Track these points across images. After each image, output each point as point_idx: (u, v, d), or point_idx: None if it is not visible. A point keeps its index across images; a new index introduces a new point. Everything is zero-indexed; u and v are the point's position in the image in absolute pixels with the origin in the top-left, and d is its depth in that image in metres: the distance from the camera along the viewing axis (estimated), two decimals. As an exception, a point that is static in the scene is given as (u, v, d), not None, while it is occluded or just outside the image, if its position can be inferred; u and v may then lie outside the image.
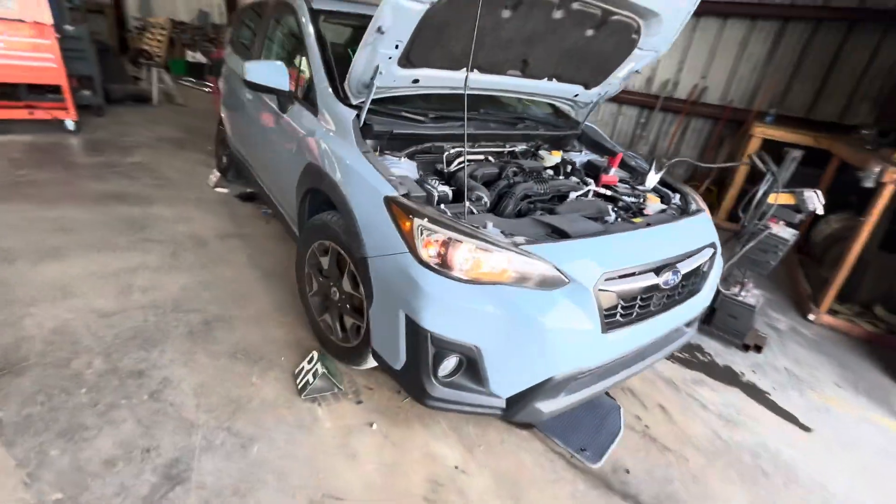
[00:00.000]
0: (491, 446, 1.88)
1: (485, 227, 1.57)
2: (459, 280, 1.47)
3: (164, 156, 4.83)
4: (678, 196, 2.33)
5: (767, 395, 2.46)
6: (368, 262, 1.67)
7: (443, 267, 1.48)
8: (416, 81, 2.03)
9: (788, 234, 2.57)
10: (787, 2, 5.37)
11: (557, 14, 1.98)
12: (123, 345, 2.13)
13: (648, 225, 1.85)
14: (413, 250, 1.52)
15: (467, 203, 1.63)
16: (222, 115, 3.84)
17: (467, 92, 1.74)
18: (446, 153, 2.15)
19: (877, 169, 2.91)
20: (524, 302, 1.47)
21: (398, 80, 1.96)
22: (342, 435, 1.83)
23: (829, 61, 5.34)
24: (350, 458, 1.74)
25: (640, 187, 2.43)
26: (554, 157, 2.50)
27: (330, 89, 2.16)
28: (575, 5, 1.96)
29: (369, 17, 1.63)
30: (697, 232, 1.98)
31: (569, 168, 2.48)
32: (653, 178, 2.48)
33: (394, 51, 1.79)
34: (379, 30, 1.66)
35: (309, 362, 2.05)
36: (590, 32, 2.16)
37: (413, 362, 1.59)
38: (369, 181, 1.72)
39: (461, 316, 1.48)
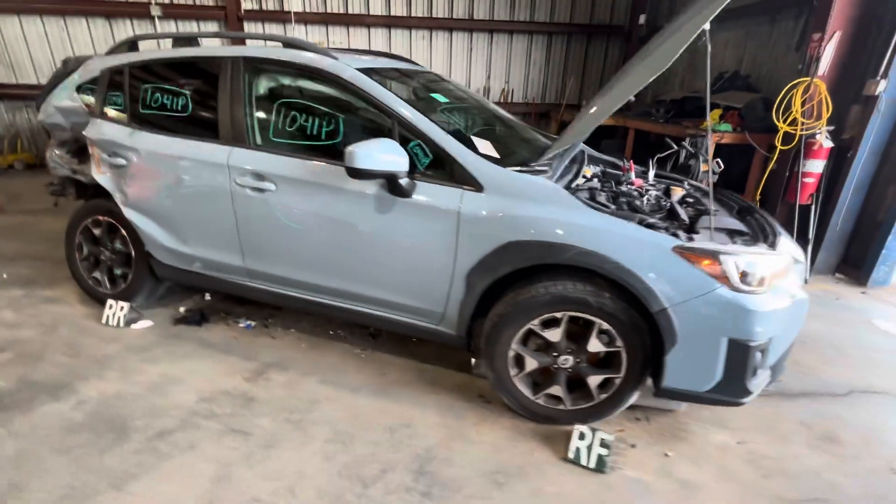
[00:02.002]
0: (727, 413, 2.27)
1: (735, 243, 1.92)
2: (764, 292, 1.80)
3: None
4: (685, 182, 3.12)
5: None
6: (669, 312, 1.78)
7: (753, 286, 1.77)
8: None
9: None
10: (549, 20, 7.05)
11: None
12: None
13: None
14: (728, 283, 1.75)
15: (710, 228, 1.92)
16: (135, 219, 2.63)
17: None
18: None
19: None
20: (790, 289, 1.92)
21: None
22: (667, 478, 1.90)
23: (583, 61, 7.35)
24: (697, 489, 1.86)
25: (652, 182, 3.11)
26: (588, 172, 2.92)
27: (487, 161, 2.00)
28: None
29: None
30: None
31: (595, 180, 2.95)
32: (651, 173, 3.21)
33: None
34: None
35: (581, 439, 1.96)
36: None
37: (732, 375, 1.83)
38: (641, 238, 1.80)
39: (769, 320, 1.81)
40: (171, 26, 6.73)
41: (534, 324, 1.99)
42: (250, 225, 2.36)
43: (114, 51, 2.77)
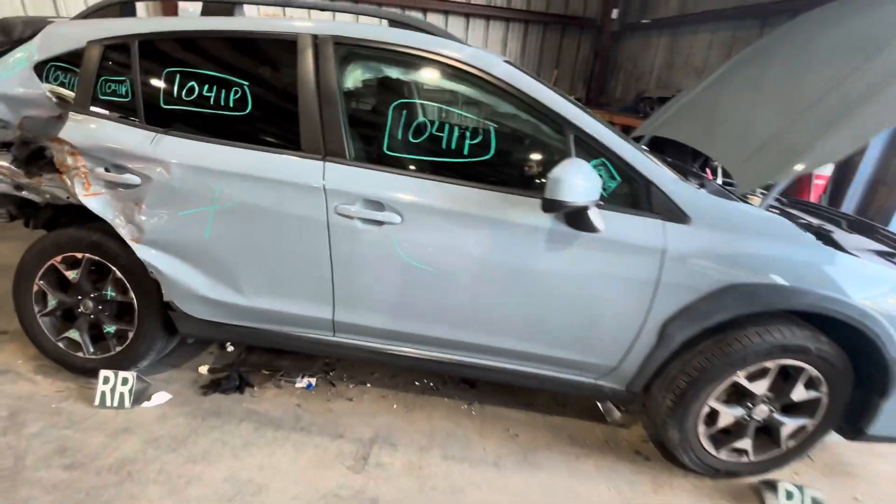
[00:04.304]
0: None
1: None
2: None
3: None
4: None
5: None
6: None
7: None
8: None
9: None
10: (526, 7, 6.76)
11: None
12: None
13: None
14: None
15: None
16: (154, 261, 1.83)
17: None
18: None
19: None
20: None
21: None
22: (875, 528, 1.77)
23: (557, 54, 7.21)
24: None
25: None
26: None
27: (691, 186, 1.64)
28: None
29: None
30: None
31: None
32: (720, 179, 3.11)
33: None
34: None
35: (790, 499, 1.74)
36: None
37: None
38: (876, 276, 1.60)
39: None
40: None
41: (739, 375, 1.71)
42: (354, 267, 1.74)
43: (94, 14, 1.89)
